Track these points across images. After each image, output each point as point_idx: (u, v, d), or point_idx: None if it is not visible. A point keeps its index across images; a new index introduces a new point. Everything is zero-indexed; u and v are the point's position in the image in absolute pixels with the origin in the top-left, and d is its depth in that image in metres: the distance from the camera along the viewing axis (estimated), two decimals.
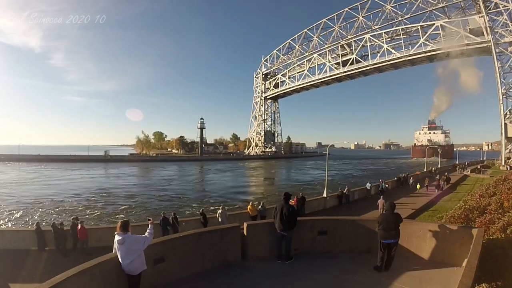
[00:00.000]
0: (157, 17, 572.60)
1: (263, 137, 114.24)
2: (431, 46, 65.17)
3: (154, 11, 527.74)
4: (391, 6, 69.97)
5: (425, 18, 67.05)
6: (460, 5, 61.84)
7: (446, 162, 69.21)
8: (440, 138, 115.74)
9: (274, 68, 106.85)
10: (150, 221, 4.30)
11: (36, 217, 19.72)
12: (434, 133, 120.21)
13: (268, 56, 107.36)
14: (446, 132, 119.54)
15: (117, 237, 3.96)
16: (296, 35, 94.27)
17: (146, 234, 4.08)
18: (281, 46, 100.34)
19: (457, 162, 60.13)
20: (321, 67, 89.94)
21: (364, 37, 77.42)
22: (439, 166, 51.78)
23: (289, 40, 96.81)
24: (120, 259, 3.90)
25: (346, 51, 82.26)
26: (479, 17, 56.74)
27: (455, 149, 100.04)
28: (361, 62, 79.10)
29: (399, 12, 69.31)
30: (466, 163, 57.96)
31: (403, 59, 70.80)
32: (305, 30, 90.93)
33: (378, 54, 75.41)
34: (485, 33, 56.29)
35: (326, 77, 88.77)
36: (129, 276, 3.91)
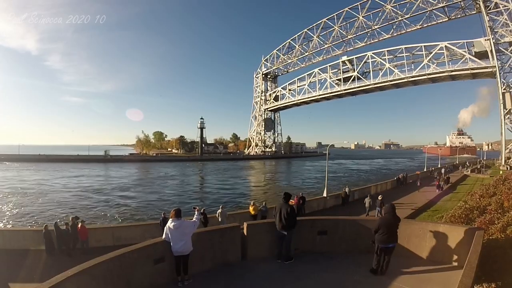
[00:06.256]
0: (153, 19, 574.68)
1: (263, 127, 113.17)
2: (434, 67, 64.62)
3: (150, 13, 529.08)
4: (391, 6, 69.84)
5: (425, 18, 67.05)
6: (460, 5, 61.78)
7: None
8: (467, 141, 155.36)
9: (274, 68, 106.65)
10: (196, 209, 5.10)
11: None
12: (462, 137, 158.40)
13: (268, 56, 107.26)
14: (471, 137, 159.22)
15: (171, 223, 4.64)
16: (296, 35, 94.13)
17: (194, 219, 4.87)
18: (281, 46, 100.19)
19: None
20: (322, 81, 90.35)
21: (366, 54, 77.71)
22: (439, 166, 51.82)
23: (289, 40, 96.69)
24: (172, 242, 4.57)
25: (347, 67, 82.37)
26: (485, 40, 56.06)
27: (478, 149, 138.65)
28: (363, 80, 79.12)
29: (399, 12, 69.14)
30: (467, 163, 58.01)
31: (405, 80, 70.52)
32: (305, 30, 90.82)
33: (380, 72, 75.19)
34: (490, 57, 55.68)
35: (327, 93, 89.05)
36: (181, 257, 4.59)
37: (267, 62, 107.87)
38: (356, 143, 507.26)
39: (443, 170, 40.84)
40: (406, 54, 70.63)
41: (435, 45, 64.71)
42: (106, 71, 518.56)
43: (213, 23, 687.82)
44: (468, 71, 59.97)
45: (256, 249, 5.73)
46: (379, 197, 17.28)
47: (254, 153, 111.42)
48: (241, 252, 5.63)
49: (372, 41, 78.29)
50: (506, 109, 53.86)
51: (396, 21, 70.97)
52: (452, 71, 62.15)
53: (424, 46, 66.54)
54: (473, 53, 58.40)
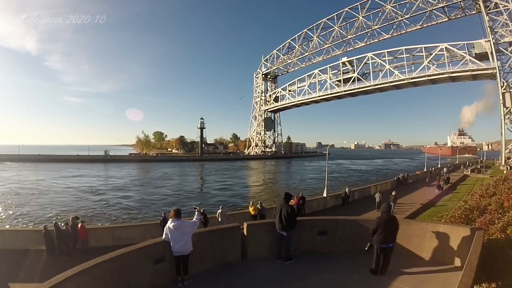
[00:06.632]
0: (153, 19, 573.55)
1: (263, 127, 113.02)
2: (434, 68, 64.59)
3: (150, 13, 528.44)
4: (391, 6, 69.88)
5: (425, 18, 67.10)
6: (460, 5, 61.82)
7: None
8: (468, 141, 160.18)
9: (274, 68, 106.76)
10: (196, 209, 5.10)
11: None
12: (463, 137, 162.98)
13: (268, 56, 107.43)
14: (471, 137, 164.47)
15: (171, 223, 4.63)
16: (296, 35, 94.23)
17: (194, 219, 4.88)
18: (281, 46, 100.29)
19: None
20: (322, 82, 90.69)
21: (366, 55, 77.93)
22: (439, 166, 51.82)
23: (289, 40, 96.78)
24: (172, 242, 4.56)
25: (347, 68, 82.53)
26: (485, 41, 56.09)
27: (478, 149, 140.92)
28: (362, 81, 79.31)
29: (399, 12, 69.21)
30: (467, 163, 58.08)
31: (405, 81, 70.53)
32: (305, 30, 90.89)
33: (380, 74, 75.34)
34: (490, 59, 55.69)
35: (327, 94, 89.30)
36: (181, 257, 4.60)
37: (267, 62, 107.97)
38: (356, 143, 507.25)
39: (445, 170, 41.37)
40: (406, 55, 70.76)
41: (435, 46, 64.74)
42: (106, 71, 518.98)
43: (213, 23, 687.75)
44: (468, 73, 59.96)
45: (256, 249, 5.73)
46: (393, 193, 17.91)
47: (254, 153, 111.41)
48: (241, 252, 5.62)
49: (372, 41, 78.41)
50: (506, 109, 53.93)
51: (396, 21, 71.05)
52: (452, 72, 62.21)
53: (424, 47, 66.61)
54: (473, 55, 58.42)
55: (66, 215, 19.39)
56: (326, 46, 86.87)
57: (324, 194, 20.48)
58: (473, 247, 4.24)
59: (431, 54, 65.23)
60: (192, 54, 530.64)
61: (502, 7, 53.96)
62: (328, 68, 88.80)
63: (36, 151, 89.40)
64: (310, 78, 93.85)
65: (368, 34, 77.68)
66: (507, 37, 53.87)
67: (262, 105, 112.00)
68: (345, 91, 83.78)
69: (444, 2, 62.66)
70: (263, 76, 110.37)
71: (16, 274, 8.28)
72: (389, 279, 4.71)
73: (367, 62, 78.06)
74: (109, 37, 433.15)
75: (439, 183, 26.40)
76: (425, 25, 67.92)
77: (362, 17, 75.67)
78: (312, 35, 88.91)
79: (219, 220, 12.61)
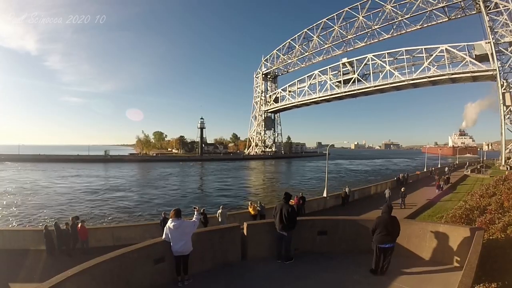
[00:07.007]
0: (153, 19, 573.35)
1: (263, 127, 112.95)
2: (434, 69, 64.53)
3: (150, 13, 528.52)
4: (391, 6, 69.85)
5: (425, 18, 67.08)
6: (460, 5, 61.81)
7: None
8: (469, 142, 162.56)
9: (274, 68, 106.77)
10: (196, 209, 5.07)
11: None
12: (464, 137, 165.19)
13: (268, 56, 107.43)
14: (472, 137, 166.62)
15: (171, 223, 4.63)
16: (296, 35, 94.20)
17: (194, 218, 4.87)
18: (281, 46, 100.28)
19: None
20: (322, 83, 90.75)
21: (366, 56, 77.93)
22: (439, 166, 51.85)
23: (289, 40, 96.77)
24: (172, 242, 4.57)
25: (347, 69, 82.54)
26: (486, 42, 56.05)
27: (478, 149, 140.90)
28: (363, 82, 79.28)
29: (399, 12, 69.17)
30: (467, 163, 58.09)
31: (405, 82, 70.42)
32: (305, 30, 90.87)
33: (381, 75, 75.16)
34: (491, 60, 55.68)
35: (327, 95, 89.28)
36: (182, 257, 4.60)
37: (267, 62, 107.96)
38: (356, 143, 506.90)
39: (446, 169, 41.61)
40: (406, 57, 70.69)
41: (435, 48, 64.66)
42: (106, 71, 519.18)
43: (213, 23, 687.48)
44: (469, 74, 59.89)
45: (256, 249, 5.73)
46: (402, 189, 18.88)
47: (254, 153, 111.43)
48: (241, 252, 5.62)
49: (372, 41, 78.36)
50: (507, 109, 53.94)
51: (396, 21, 71.00)
52: (452, 74, 62.12)
53: (424, 48, 66.58)
54: (474, 56, 58.38)
55: (66, 215, 19.39)
56: (326, 46, 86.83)
57: (324, 194, 20.48)
58: (473, 247, 4.24)
59: (431, 55, 65.19)
60: (192, 54, 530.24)
61: (502, 7, 53.94)
62: (328, 69, 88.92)
63: (36, 151, 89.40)
64: (310, 79, 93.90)
65: (368, 34, 77.66)
66: (507, 37, 53.85)
67: (262, 105, 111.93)
68: (345, 92, 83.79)
69: (444, 2, 62.63)
70: (263, 76, 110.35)
71: (16, 274, 8.28)
72: (389, 279, 4.70)
73: (367, 63, 78.08)
74: (109, 37, 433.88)
75: (439, 183, 26.42)
76: (425, 25, 67.88)
77: (362, 17, 75.60)
78: (312, 35, 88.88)
79: (219, 220, 12.62)
